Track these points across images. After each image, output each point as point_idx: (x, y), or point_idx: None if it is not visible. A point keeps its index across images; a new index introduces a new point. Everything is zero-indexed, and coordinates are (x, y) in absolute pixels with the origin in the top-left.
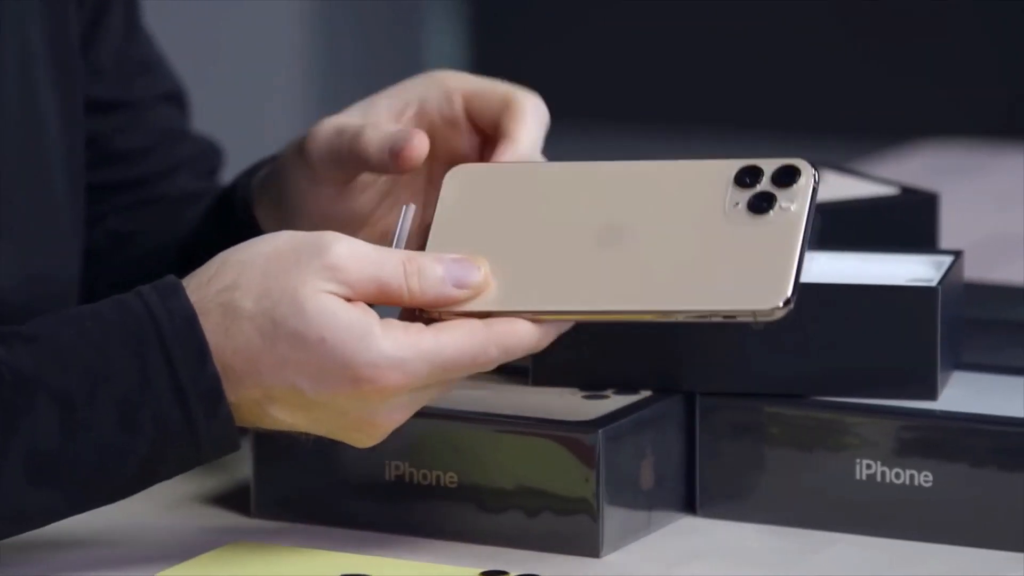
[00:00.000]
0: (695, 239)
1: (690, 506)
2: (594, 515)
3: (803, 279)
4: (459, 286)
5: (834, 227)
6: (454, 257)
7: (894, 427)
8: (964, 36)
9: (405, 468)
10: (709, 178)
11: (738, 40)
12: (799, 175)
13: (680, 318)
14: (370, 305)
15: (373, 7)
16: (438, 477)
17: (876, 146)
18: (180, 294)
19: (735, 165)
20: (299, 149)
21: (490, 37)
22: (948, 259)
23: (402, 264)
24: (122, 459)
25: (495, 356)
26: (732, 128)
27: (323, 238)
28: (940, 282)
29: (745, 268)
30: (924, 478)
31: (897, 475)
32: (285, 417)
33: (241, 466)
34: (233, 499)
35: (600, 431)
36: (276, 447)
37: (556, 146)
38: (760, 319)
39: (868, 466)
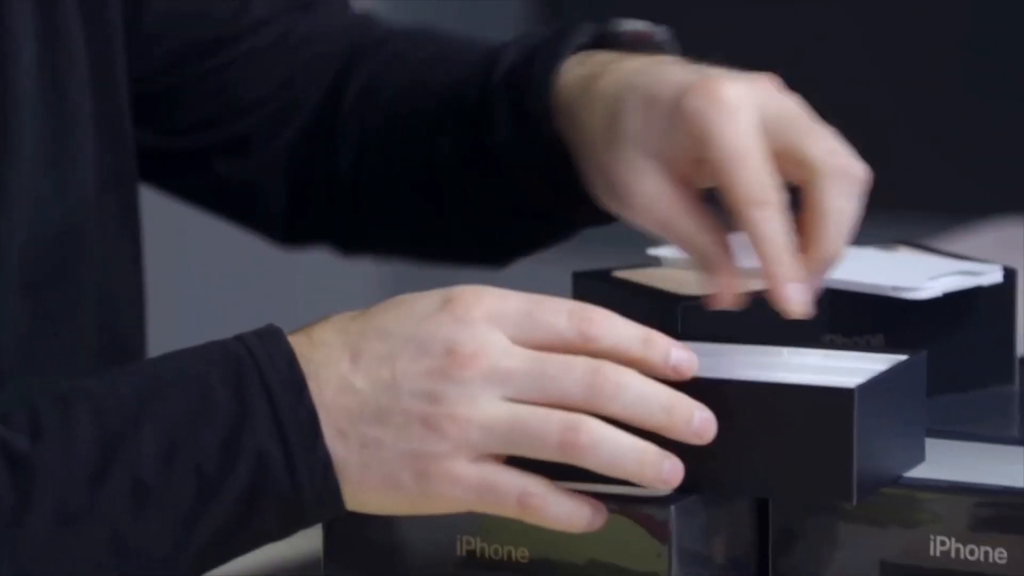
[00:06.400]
0: None
1: None
2: None
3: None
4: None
5: (911, 304)
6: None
7: (969, 503)
8: None
9: (476, 543)
10: None
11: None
12: None
13: None
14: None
15: None
16: (509, 552)
17: (944, 224)
18: (281, 338)
19: None
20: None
21: None
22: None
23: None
24: (222, 490)
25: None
26: None
27: None
28: (861, 385)
29: None
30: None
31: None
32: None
33: (312, 543)
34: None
35: (672, 506)
36: (347, 521)
37: None
38: None
39: (942, 543)
